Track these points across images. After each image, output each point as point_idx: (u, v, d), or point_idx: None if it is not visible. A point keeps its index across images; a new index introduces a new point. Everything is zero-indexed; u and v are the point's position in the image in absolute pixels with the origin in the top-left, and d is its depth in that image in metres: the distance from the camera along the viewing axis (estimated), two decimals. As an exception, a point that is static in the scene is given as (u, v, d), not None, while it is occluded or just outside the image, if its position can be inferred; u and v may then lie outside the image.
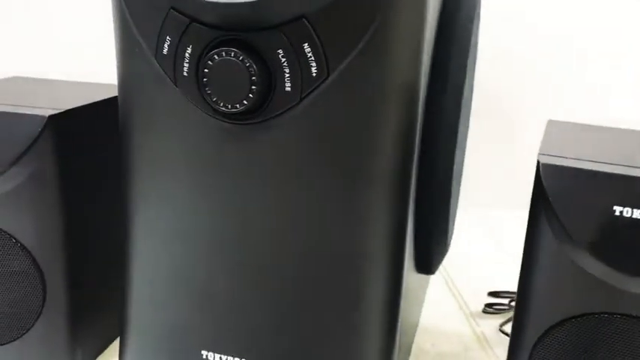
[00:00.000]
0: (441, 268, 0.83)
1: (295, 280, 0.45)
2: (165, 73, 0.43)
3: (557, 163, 0.41)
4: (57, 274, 0.52)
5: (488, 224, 0.96)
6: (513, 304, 0.72)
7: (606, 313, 0.42)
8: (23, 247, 0.51)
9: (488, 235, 0.93)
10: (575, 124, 0.54)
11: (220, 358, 0.48)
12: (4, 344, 0.54)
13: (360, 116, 0.41)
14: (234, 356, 0.47)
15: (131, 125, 0.47)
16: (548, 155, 0.43)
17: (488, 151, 0.98)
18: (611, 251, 0.41)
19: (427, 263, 0.57)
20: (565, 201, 0.41)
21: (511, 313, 0.70)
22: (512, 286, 0.76)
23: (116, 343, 0.62)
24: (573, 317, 0.42)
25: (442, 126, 0.49)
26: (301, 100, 0.41)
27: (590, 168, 0.40)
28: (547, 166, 0.41)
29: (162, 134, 0.45)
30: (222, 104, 0.41)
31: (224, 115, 0.42)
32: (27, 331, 0.53)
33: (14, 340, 0.53)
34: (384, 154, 0.43)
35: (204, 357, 0.48)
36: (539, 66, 0.98)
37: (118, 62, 0.46)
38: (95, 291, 0.57)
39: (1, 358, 0.54)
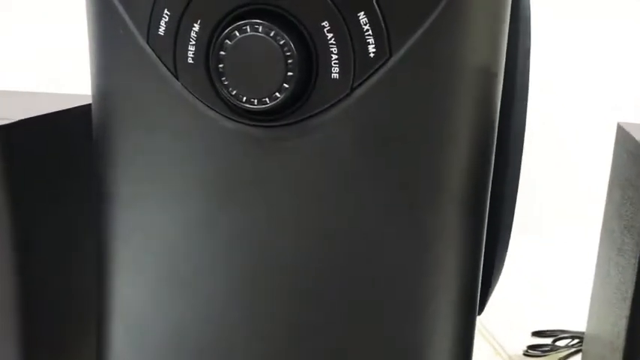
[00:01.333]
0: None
1: (345, 328, 0.34)
2: (162, 60, 0.32)
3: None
4: (6, 328, 0.39)
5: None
6: (559, 343, 0.62)
7: None
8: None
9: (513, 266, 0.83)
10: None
11: None
12: None
13: (429, 111, 0.31)
14: None
15: (111, 136, 0.35)
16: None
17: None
18: None
19: (482, 303, 0.47)
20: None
21: (558, 355, 0.60)
22: (553, 324, 0.67)
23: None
24: None
25: (510, 134, 0.39)
26: (353, 89, 0.30)
27: None
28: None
29: (155, 146, 0.33)
30: (244, 99, 0.30)
31: (247, 114, 0.31)
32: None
33: None
34: (459, 160, 0.32)
35: None
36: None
37: (93, 53, 0.35)
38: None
39: None
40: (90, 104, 0.36)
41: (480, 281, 0.44)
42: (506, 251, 0.45)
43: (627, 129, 0.43)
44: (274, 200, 0.32)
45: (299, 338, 0.34)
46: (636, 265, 0.36)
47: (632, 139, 0.40)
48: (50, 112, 0.42)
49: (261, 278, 0.33)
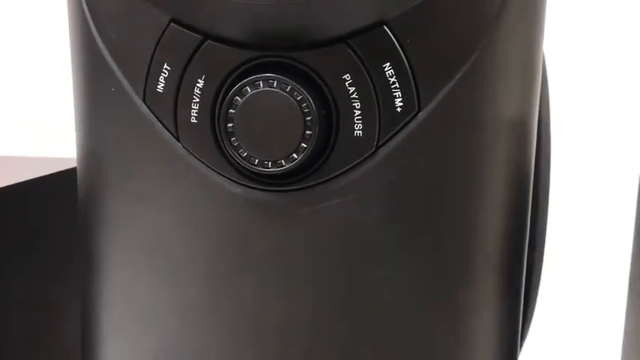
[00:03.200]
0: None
1: None
2: (160, 121, 0.28)
3: None
4: None
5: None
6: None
7: None
8: None
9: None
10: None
11: None
12: None
13: (461, 171, 0.28)
14: None
15: (98, 206, 0.31)
16: None
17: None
18: None
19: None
20: None
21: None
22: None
23: None
24: None
25: (538, 183, 0.36)
26: (378, 147, 0.27)
27: None
28: None
29: (153, 216, 0.30)
30: (257, 162, 0.27)
31: (259, 178, 0.27)
32: None
33: None
34: (494, 224, 0.29)
35: None
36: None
37: (79, 113, 0.31)
38: None
39: None
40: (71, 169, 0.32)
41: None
42: (533, 313, 0.42)
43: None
44: (289, 273, 0.28)
45: None
46: None
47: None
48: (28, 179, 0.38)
49: (265, 352, 0.29)
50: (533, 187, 0.36)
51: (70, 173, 0.37)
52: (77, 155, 0.32)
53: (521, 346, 0.43)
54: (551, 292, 0.78)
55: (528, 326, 0.42)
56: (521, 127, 0.29)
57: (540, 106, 0.35)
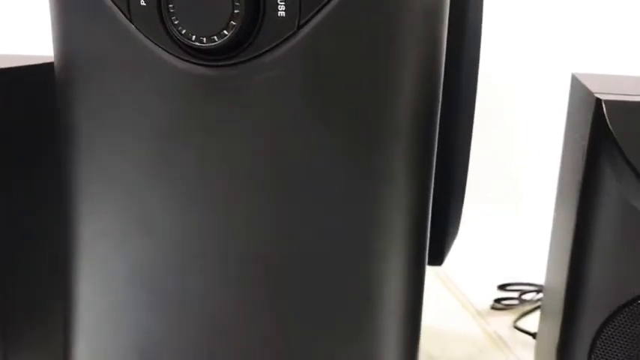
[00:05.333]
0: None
1: (295, 272, 0.35)
2: (116, 4, 0.33)
3: (624, 99, 0.33)
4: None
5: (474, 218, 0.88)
6: (525, 297, 0.64)
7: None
8: None
9: (477, 230, 0.85)
10: (605, 75, 0.47)
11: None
12: None
13: (377, 48, 0.32)
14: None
15: (70, 85, 0.36)
16: (606, 93, 0.34)
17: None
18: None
19: (439, 253, 0.48)
20: (636, 142, 0.33)
21: (524, 308, 0.62)
22: (520, 278, 0.69)
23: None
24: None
25: (462, 78, 0.40)
26: (299, 27, 0.31)
27: (666, 101, 0.32)
28: (611, 103, 0.33)
29: (111, 92, 0.35)
30: (193, 38, 0.31)
31: (197, 54, 0.32)
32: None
33: None
34: (407, 98, 0.33)
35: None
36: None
37: (52, 4, 0.36)
38: (26, 317, 0.46)
39: None
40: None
41: (438, 228, 0.45)
42: (463, 199, 0.47)
43: (580, 79, 0.44)
44: (226, 137, 0.33)
45: (251, 275, 0.35)
46: (575, 217, 0.37)
47: (584, 87, 0.41)
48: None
49: (213, 214, 0.35)
50: (458, 76, 0.40)
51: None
52: (53, 43, 0.37)
53: (452, 237, 0.48)
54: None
55: (457, 217, 0.47)
56: (431, 13, 0.33)
57: (469, 4, 0.39)
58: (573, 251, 0.36)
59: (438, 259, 0.49)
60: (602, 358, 0.35)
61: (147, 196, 0.36)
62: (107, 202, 0.37)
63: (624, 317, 0.34)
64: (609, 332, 0.35)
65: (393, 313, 0.36)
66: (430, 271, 0.72)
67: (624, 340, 0.35)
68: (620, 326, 0.35)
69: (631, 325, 0.34)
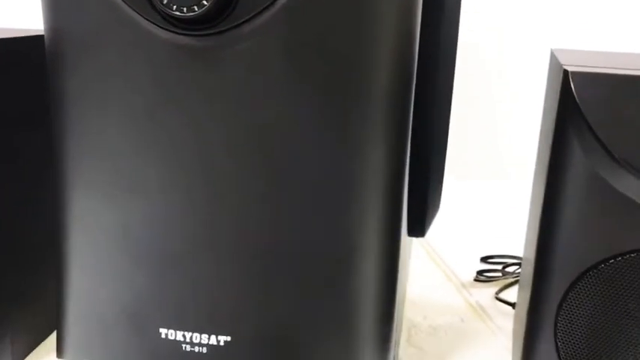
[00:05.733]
0: (420, 239, 0.76)
1: (275, 232, 0.37)
2: (101, -24, 0.34)
3: (590, 71, 0.34)
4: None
5: (459, 192, 0.89)
6: (508, 269, 0.66)
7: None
8: None
9: (463, 205, 0.86)
10: (582, 51, 0.48)
11: (183, 335, 0.38)
12: None
13: (352, 15, 0.33)
14: (200, 332, 0.38)
15: (60, 55, 0.37)
16: (575, 65, 0.36)
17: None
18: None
19: (420, 223, 0.50)
20: (602, 113, 0.34)
21: (506, 281, 0.64)
22: (503, 251, 0.71)
23: (48, 341, 0.52)
24: (618, 255, 0.35)
25: (440, 38, 0.41)
26: (276, -1, 0.33)
27: (630, 74, 0.33)
28: (578, 74, 0.34)
29: (99, 61, 0.36)
30: (175, 8, 0.33)
31: (179, 24, 0.33)
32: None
33: None
34: (382, 67, 0.35)
35: (163, 336, 0.39)
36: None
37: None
38: (25, 272, 0.47)
39: None
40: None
41: (419, 200, 0.47)
42: (443, 169, 0.48)
43: (556, 54, 0.45)
44: (209, 103, 0.35)
45: (237, 219, 0.37)
46: (544, 187, 0.38)
47: (557, 61, 0.42)
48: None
49: (199, 174, 0.37)
50: (435, 38, 0.41)
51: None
52: (43, 16, 0.38)
53: (433, 206, 0.49)
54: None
55: (437, 184, 0.48)
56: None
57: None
58: (542, 220, 0.38)
59: (419, 230, 0.51)
60: (567, 319, 0.37)
61: (135, 158, 0.37)
62: (97, 163, 0.38)
63: (587, 282, 0.36)
64: (574, 295, 0.36)
65: (369, 271, 0.38)
66: (417, 245, 0.74)
67: (587, 302, 0.36)
68: (583, 290, 0.36)
69: (593, 289, 0.36)
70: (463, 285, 0.64)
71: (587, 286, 0.36)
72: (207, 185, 0.36)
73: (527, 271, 0.45)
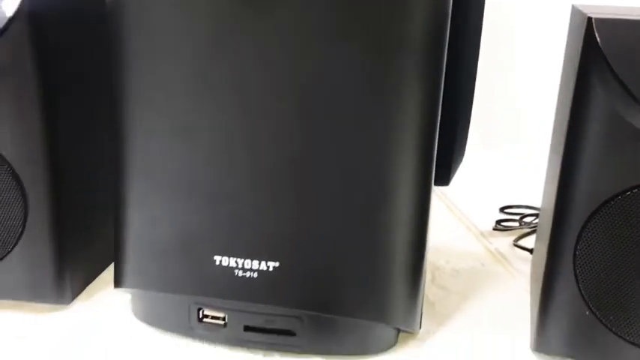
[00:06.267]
0: (438, 192, 0.79)
1: (318, 169, 0.40)
2: None
3: (613, 17, 0.37)
4: (39, 187, 0.46)
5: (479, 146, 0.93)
6: (526, 219, 0.69)
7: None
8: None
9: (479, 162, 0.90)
10: (603, 5, 0.50)
11: (236, 262, 0.42)
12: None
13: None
14: (252, 258, 0.42)
15: (120, 4, 0.41)
16: (597, 13, 0.39)
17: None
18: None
19: (446, 172, 0.53)
20: (623, 57, 0.37)
21: (523, 230, 0.67)
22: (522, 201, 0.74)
23: (105, 275, 0.56)
24: (635, 187, 0.38)
25: (469, 7, 0.44)
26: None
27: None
28: (601, 21, 0.37)
29: (156, 11, 0.39)
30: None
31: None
32: (7, 254, 0.47)
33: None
34: (417, 14, 0.38)
35: (217, 263, 0.43)
36: None
37: None
38: (84, 210, 0.51)
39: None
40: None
41: (445, 150, 0.50)
42: (469, 121, 0.51)
43: (578, 7, 0.48)
44: (258, 48, 0.38)
45: (283, 158, 0.41)
46: (566, 131, 0.42)
47: (580, 12, 0.45)
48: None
49: (246, 117, 0.40)
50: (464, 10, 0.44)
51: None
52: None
53: (459, 156, 0.53)
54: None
55: (463, 134, 0.51)
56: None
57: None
58: (564, 157, 0.41)
59: (445, 179, 0.54)
60: (586, 248, 0.40)
61: (189, 102, 0.41)
62: (155, 106, 0.42)
63: (605, 212, 0.39)
64: (592, 226, 0.40)
65: (404, 205, 0.42)
66: (435, 199, 0.78)
67: (605, 232, 0.40)
68: (601, 220, 0.40)
69: (610, 219, 0.39)
70: (482, 234, 0.68)
71: (604, 217, 0.39)
72: (255, 125, 0.40)
73: (545, 221, 0.48)
